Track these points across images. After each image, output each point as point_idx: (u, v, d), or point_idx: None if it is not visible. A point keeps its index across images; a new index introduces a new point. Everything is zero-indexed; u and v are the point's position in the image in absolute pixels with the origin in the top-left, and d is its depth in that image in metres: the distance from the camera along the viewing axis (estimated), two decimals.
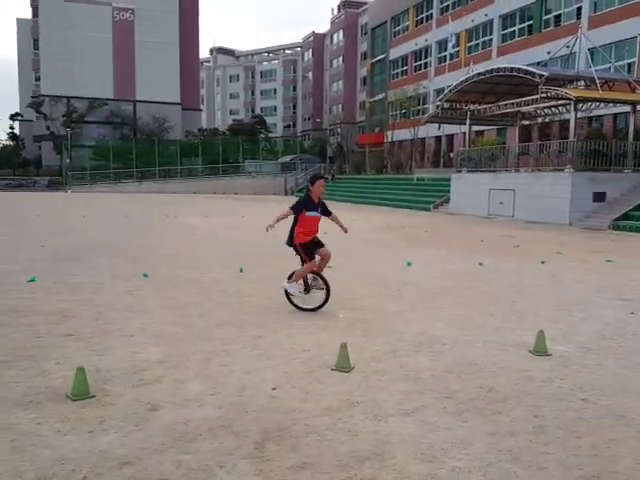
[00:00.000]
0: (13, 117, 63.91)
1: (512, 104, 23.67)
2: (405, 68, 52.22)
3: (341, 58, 71.58)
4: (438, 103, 28.69)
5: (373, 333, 5.56)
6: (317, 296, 6.34)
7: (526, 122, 29.40)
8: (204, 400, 3.82)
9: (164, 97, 62.73)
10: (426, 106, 46.52)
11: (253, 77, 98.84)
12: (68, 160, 52.42)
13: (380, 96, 56.16)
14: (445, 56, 43.38)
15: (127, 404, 3.73)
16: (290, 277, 6.31)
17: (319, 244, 6.30)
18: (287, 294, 6.41)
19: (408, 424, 3.49)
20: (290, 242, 6.24)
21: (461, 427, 3.45)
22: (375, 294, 7.56)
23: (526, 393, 4.01)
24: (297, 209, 6.11)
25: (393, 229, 17.89)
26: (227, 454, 3.08)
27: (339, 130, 66.20)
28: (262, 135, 70.75)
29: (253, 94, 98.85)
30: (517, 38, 37.25)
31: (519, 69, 21.69)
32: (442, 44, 44.77)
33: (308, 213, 6.13)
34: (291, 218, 6.20)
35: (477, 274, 9.19)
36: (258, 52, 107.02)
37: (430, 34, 47.02)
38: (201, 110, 78.90)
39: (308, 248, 6.16)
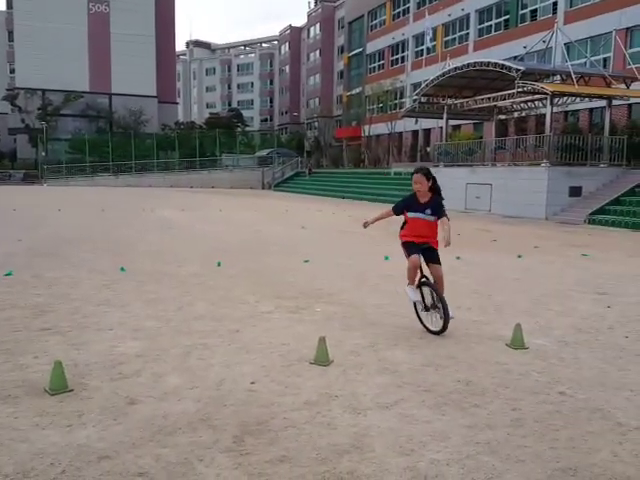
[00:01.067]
0: None
1: (489, 98, 23.93)
2: (382, 62, 52.32)
3: (318, 52, 71.37)
4: (415, 97, 28.90)
5: (352, 327, 5.60)
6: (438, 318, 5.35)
7: (503, 117, 29.76)
8: (183, 394, 3.82)
9: (140, 90, 61.85)
10: (403, 100, 46.70)
11: (230, 70, 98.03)
12: (44, 153, 51.48)
13: (357, 90, 56.20)
14: (422, 50, 43.55)
15: (105, 398, 3.71)
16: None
17: (433, 257, 5.29)
18: (415, 307, 5.54)
19: (387, 417, 3.53)
20: None
21: (439, 420, 3.49)
22: (354, 288, 7.61)
23: (504, 386, 4.08)
24: (396, 210, 5.35)
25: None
26: (206, 448, 3.09)
27: (316, 124, 66.10)
28: (239, 129, 70.31)
29: (230, 87, 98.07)
30: (494, 33, 37.60)
31: (495, 64, 21.91)
32: (419, 38, 44.94)
33: (410, 214, 5.23)
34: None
35: (454, 268, 9.29)
36: (235, 45, 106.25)
37: (407, 28, 47.16)
38: (177, 103, 78.02)
39: (412, 249, 5.25)
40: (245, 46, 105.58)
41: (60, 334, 5.11)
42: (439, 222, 5.15)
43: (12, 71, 61.94)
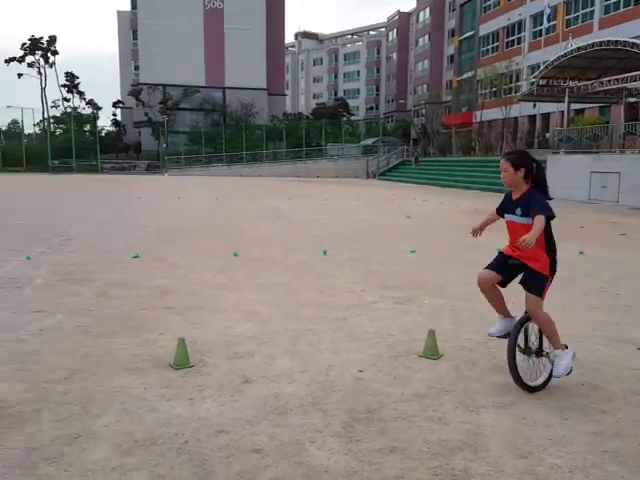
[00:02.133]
0: (115, 104, 68.20)
1: (617, 80, 22.00)
2: (496, 44, 49.90)
3: (427, 37, 69.56)
4: (533, 80, 27.25)
5: (462, 321, 5.44)
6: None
7: (633, 99, 27.25)
8: (294, 377, 3.94)
9: (251, 83, 64.10)
10: (519, 83, 44.31)
11: (336, 60, 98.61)
12: (164, 145, 55.12)
13: (468, 74, 54.15)
14: (540, 30, 40.97)
15: (223, 375, 3.93)
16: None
17: (525, 281, 3.84)
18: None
19: (502, 417, 3.39)
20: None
21: (561, 424, 3.30)
22: (465, 281, 7.36)
23: (634, 393, 3.76)
24: (498, 210, 4.13)
25: (483, 213, 17.22)
26: (317, 431, 3.16)
27: (424, 111, 64.62)
28: (345, 118, 70.59)
29: (336, 77, 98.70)
30: (622, 9, 34.46)
31: (625, 42, 20.09)
32: (537, 18, 42.29)
33: (506, 216, 3.98)
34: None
35: (577, 263, 8.69)
36: (342, 35, 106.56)
37: (523, 8, 44.52)
38: (286, 95, 79.91)
39: (492, 261, 4.12)
40: (352, 34, 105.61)
41: (181, 314, 5.47)
42: (534, 221, 3.61)
43: (136, 68, 66.78)
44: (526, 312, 3.84)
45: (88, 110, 66.13)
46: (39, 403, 3.44)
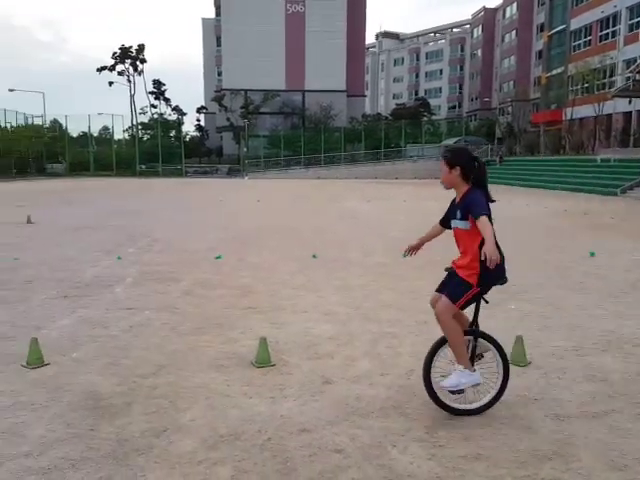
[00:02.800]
0: (199, 110, 71.09)
1: None
2: (588, 38, 47.25)
3: (514, 32, 67.15)
4: (629, 75, 25.59)
5: (551, 328, 5.18)
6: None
7: None
8: (374, 379, 3.90)
9: (331, 85, 64.51)
10: (613, 79, 41.71)
11: (418, 59, 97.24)
12: (245, 149, 56.72)
13: (558, 70, 51.63)
14: (637, 23, 38.43)
15: (303, 375, 3.96)
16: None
17: (447, 283, 3.46)
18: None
19: (595, 427, 3.20)
20: None
21: None
22: (553, 285, 7.03)
23: None
24: (442, 221, 3.78)
25: (572, 215, 16.44)
26: (399, 435, 3.11)
27: (510, 109, 62.33)
28: (425, 118, 69.42)
29: (417, 76, 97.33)
30: None
31: None
32: (634, 9, 39.66)
33: (452, 223, 3.57)
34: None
35: None
36: (424, 33, 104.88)
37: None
38: (365, 96, 79.75)
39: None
40: (435, 33, 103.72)
41: (262, 313, 5.58)
42: (477, 224, 3.22)
43: (219, 74, 69.16)
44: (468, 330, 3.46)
45: (174, 116, 69.25)
46: (129, 396, 3.62)
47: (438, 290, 3.45)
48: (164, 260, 8.68)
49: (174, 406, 3.48)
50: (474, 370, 3.33)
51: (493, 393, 3.40)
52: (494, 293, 6.38)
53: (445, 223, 3.65)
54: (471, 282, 3.26)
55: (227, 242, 10.68)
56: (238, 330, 5.00)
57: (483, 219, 3.15)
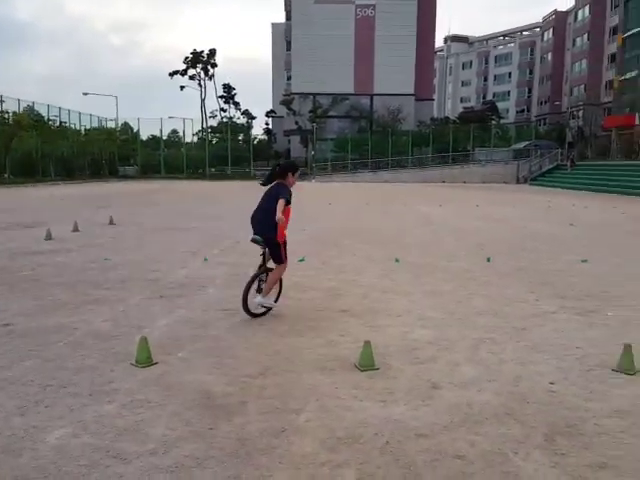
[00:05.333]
0: (268, 114, 72.43)
1: None
2: None
3: (586, 35, 64.77)
4: None
5: None
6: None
7: None
8: (482, 385, 3.88)
9: (399, 89, 64.07)
10: None
11: (487, 62, 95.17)
12: (313, 152, 57.26)
13: (633, 73, 49.10)
14: None
15: (409, 379, 3.98)
16: (259, 290, 5.61)
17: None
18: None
19: None
20: (273, 235, 5.47)
21: None
22: None
23: None
24: (289, 199, 5.53)
25: None
26: (518, 442, 3.08)
27: (580, 113, 59.90)
28: (493, 122, 67.71)
29: (486, 80, 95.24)
30: None
31: None
32: None
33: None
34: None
35: None
36: (493, 36, 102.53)
37: None
38: (433, 100, 78.68)
39: None
40: (504, 36, 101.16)
41: (356, 316, 5.64)
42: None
43: (288, 78, 70.13)
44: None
45: (243, 120, 70.83)
46: (242, 396, 3.70)
47: None
48: (249, 262, 8.87)
49: (286, 407, 3.54)
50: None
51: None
52: (588, 300, 6.24)
53: (289, 201, 5.41)
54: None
55: (307, 244, 10.82)
56: (336, 333, 5.08)
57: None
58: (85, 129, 54.49)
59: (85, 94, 54.86)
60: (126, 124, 63.35)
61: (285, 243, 5.55)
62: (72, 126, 51.75)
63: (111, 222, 14.10)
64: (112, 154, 55.53)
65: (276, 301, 5.79)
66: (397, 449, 3.01)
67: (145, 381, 3.94)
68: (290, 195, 5.45)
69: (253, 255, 9.64)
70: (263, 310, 5.64)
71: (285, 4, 71.08)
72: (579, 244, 11.10)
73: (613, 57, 57.29)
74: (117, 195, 28.12)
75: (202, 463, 2.87)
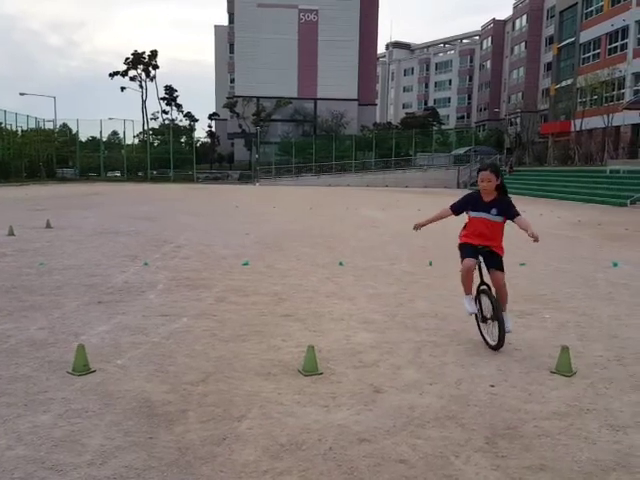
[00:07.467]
0: (211, 117, 71.40)
1: None
2: (597, 51, 47.41)
3: (523, 44, 67.86)
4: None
5: (589, 337, 5.19)
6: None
7: None
8: (424, 388, 3.90)
9: (342, 94, 64.78)
10: (622, 91, 41.87)
11: (428, 69, 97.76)
12: (257, 156, 56.92)
13: (567, 82, 51.74)
14: None
15: (352, 384, 3.97)
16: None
17: (495, 263, 4.79)
18: (475, 317, 5.07)
19: None
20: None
21: None
22: (582, 296, 7.02)
23: None
24: (456, 209, 4.91)
25: (586, 225, 16.40)
26: (459, 445, 3.11)
27: (518, 120, 62.47)
28: (434, 127, 69.60)
29: (427, 86, 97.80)
30: None
31: None
32: None
33: (473, 214, 4.82)
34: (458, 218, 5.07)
35: None
36: (434, 44, 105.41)
37: (628, 13, 42.04)
38: (376, 105, 80.00)
39: (468, 251, 4.83)
40: (445, 44, 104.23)
41: (300, 320, 5.59)
42: (516, 222, 4.62)
43: (232, 81, 69.49)
44: (481, 289, 4.96)
45: (185, 122, 69.54)
46: (182, 404, 3.60)
47: (470, 256, 4.80)
48: (191, 266, 8.71)
49: (228, 414, 3.47)
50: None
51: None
52: (526, 303, 6.44)
53: (458, 211, 4.95)
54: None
55: (251, 248, 10.71)
56: (279, 337, 5.01)
57: (522, 216, 4.66)
58: (22, 130, 52.21)
59: (22, 94, 52.60)
60: (65, 125, 61.22)
61: (461, 245, 4.98)
62: (8, 127, 49.42)
63: (48, 226, 13.56)
64: (50, 156, 53.45)
65: None
66: (340, 455, 2.98)
67: (82, 390, 3.81)
68: (463, 203, 4.97)
69: (196, 260, 9.54)
70: None
71: (228, 7, 70.40)
72: (517, 248, 11.47)
73: (549, 65, 60.23)
74: (55, 198, 27.07)
75: (141, 474, 2.78)
